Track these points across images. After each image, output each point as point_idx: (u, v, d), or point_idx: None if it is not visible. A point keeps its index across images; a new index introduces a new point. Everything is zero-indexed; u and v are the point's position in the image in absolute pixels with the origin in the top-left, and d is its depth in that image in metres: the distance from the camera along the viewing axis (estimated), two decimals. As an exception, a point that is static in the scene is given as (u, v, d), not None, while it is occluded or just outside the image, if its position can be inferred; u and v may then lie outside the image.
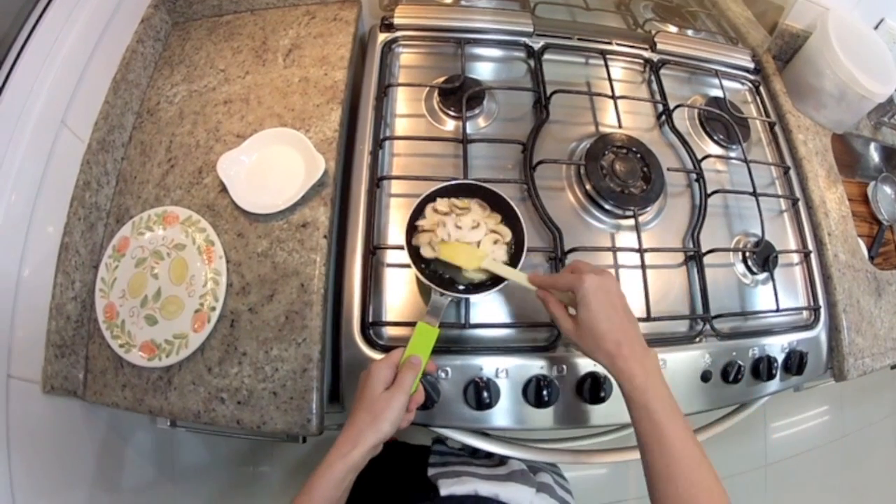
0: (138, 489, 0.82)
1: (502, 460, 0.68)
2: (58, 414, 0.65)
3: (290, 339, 0.65)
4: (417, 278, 0.65)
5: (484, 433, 0.71)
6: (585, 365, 0.67)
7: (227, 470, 1.24)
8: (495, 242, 0.62)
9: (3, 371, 0.56)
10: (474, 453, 0.72)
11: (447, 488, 0.59)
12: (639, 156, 0.79)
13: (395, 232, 0.71)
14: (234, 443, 1.26)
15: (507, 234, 0.63)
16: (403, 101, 0.82)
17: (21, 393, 0.58)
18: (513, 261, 0.62)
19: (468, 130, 0.76)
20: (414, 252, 0.61)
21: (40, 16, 0.64)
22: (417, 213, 0.62)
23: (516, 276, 0.59)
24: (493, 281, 0.61)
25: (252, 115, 0.77)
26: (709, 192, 0.80)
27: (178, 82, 0.81)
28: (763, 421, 1.74)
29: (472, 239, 0.61)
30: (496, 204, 0.65)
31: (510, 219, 0.64)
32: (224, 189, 0.71)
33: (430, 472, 0.63)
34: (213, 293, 0.66)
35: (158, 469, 0.90)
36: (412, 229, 0.62)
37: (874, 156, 1.13)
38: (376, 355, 0.64)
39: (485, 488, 0.61)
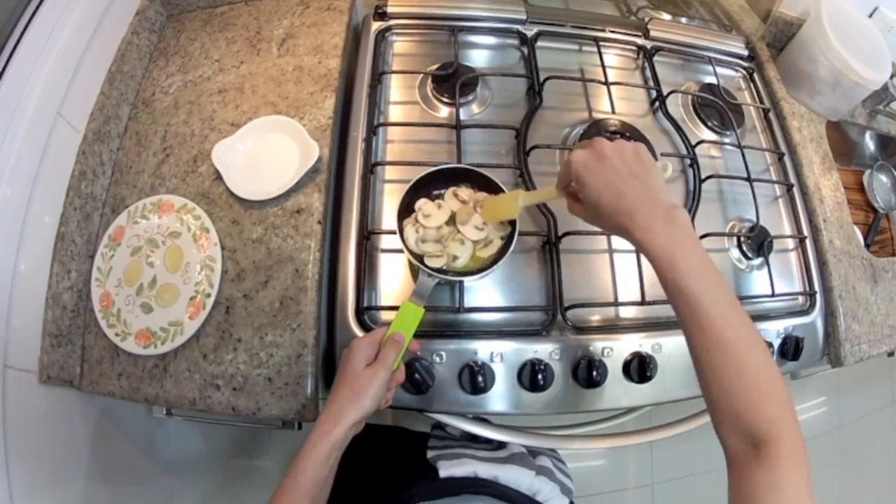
0: (135, 480, 0.83)
1: (502, 444, 0.68)
2: (54, 404, 0.65)
3: (284, 324, 0.65)
4: (409, 262, 0.66)
5: (481, 419, 0.71)
6: (580, 349, 0.67)
7: (224, 462, 1.24)
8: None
9: (-1, 361, 0.57)
10: (474, 438, 0.72)
11: (446, 470, 0.59)
12: (632, 141, 0.78)
13: (388, 217, 0.72)
14: (231, 434, 1.26)
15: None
16: (397, 88, 0.82)
17: (17, 383, 0.59)
18: (504, 244, 0.62)
19: (462, 117, 0.77)
20: (403, 234, 0.62)
21: (37, 8, 0.64)
22: (409, 196, 0.63)
23: (550, 192, 0.56)
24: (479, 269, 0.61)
25: (247, 104, 0.77)
26: (703, 177, 0.80)
27: (174, 73, 0.82)
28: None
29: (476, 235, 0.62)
30: (489, 188, 0.65)
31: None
32: (219, 177, 0.71)
33: (430, 454, 0.63)
34: (208, 280, 0.67)
35: (155, 461, 0.90)
36: (404, 212, 0.63)
37: (869, 144, 1.13)
38: (371, 340, 0.64)
39: (484, 470, 0.61)
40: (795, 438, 0.41)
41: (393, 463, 0.70)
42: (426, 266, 0.59)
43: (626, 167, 0.47)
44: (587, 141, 0.50)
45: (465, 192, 0.65)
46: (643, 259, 0.71)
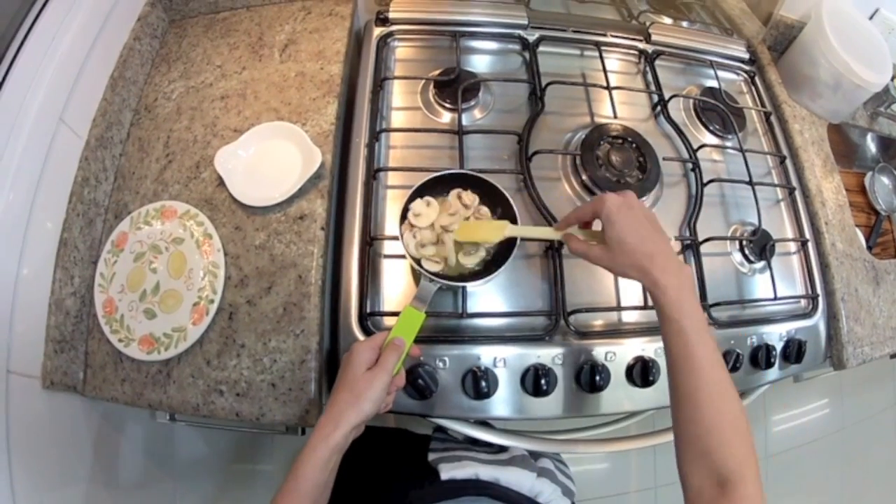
0: (137, 485, 0.83)
1: (503, 447, 0.68)
2: (57, 409, 0.65)
3: (288, 330, 0.65)
4: (411, 267, 0.66)
5: (484, 423, 0.71)
6: (583, 354, 0.67)
7: (227, 466, 1.24)
8: None
9: (2, 367, 0.57)
10: (475, 441, 0.72)
11: (448, 472, 0.59)
12: (634, 146, 0.79)
13: (391, 223, 0.72)
14: (234, 438, 1.27)
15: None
16: (399, 93, 0.82)
17: (21, 388, 0.59)
18: (507, 250, 0.62)
19: (464, 122, 0.77)
20: (402, 238, 0.62)
21: (38, 14, 0.64)
22: (412, 201, 0.63)
23: (543, 232, 0.60)
24: (483, 269, 0.61)
25: (249, 110, 0.77)
26: (705, 181, 0.80)
27: (176, 79, 0.82)
28: (764, 413, 1.74)
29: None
30: (491, 194, 0.65)
31: (505, 208, 0.64)
32: (222, 183, 0.71)
33: (431, 456, 0.63)
34: (211, 286, 0.67)
35: (157, 465, 0.90)
36: (405, 218, 0.63)
37: (871, 146, 1.13)
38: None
39: (485, 472, 0.61)
40: (757, 480, 0.44)
41: (394, 465, 0.70)
42: (426, 271, 0.59)
43: (650, 222, 0.54)
44: (620, 191, 0.56)
45: (469, 196, 0.65)
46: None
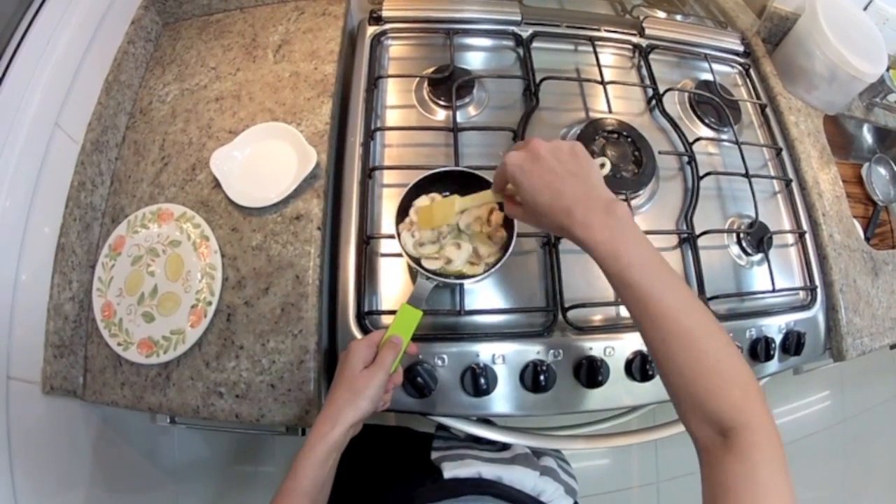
0: (138, 488, 0.83)
1: (505, 445, 0.68)
2: (58, 414, 0.65)
3: (286, 331, 0.65)
4: (408, 265, 0.66)
5: (484, 421, 0.71)
6: (582, 349, 0.67)
7: (228, 468, 1.24)
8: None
9: (2, 372, 0.57)
10: (477, 440, 0.72)
11: (450, 471, 0.59)
12: (630, 140, 0.79)
13: (387, 222, 0.72)
14: (234, 440, 1.27)
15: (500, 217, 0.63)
16: (393, 92, 0.82)
17: (21, 394, 0.59)
18: (503, 246, 0.62)
19: (459, 119, 0.77)
20: (401, 238, 0.62)
21: (32, 19, 0.64)
22: (408, 199, 0.63)
23: (485, 196, 0.56)
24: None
25: (244, 111, 0.77)
26: (701, 174, 0.80)
27: (170, 81, 0.82)
28: (765, 406, 1.73)
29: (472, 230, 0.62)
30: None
31: (501, 206, 0.64)
32: (218, 185, 0.71)
33: (434, 455, 0.63)
34: (208, 288, 0.67)
35: (158, 468, 0.90)
36: (402, 216, 0.63)
37: (867, 137, 1.13)
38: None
39: (488, 471, 0.60)
40: (764, 424, 0.39)
41: (397, 463, 0.70)
42: (423, 268, 0.59)
43: (563, 166, 0.46)
44: (521, 142, 0.50)
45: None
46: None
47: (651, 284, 0.43)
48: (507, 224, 0.62)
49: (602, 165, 0.51)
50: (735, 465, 0.38)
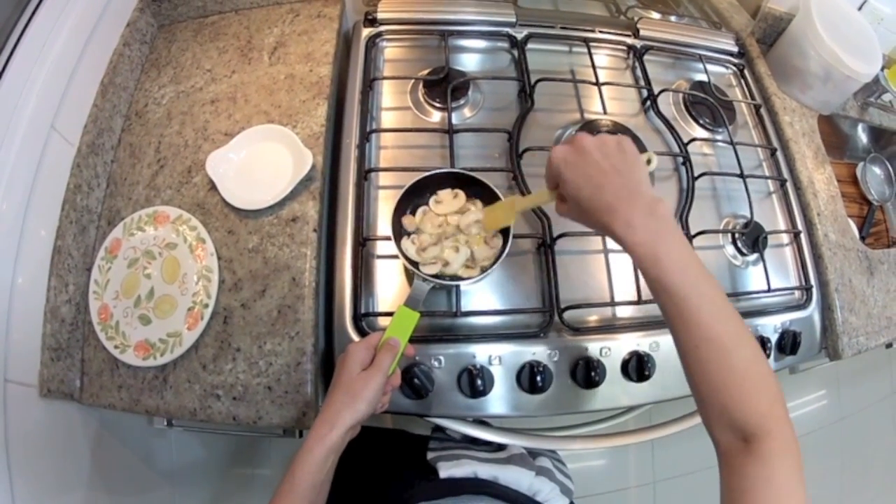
0: (135, 491, 0.83)
1: (502, 446, 0.68)
2: (55, 417, 0.65)
3: (283, 333, 0.65)
4: (404, 267, 0.66)
5: (481, 422, 0.71)
6: (578, 349, 0.67)
7: (225, 471, 1.24)
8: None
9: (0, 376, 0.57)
10: (474, 440, 0.72)
11: (446, 470, 0.59)
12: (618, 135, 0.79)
13: (383, 224, 0.72)
14: (231, 443, 1.27)
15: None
16: (389, 94, 0.82)
17: (18, 397, 0.59)
18: (500, 251, 0.62)
19: (454, 121, 0.77)
20: (400, 240, 0.62)
21: (28, 21, 0.64)
22: (404, 201, 0.63)
23: (541, 195, 0.55)
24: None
25: (239, 114, 0.77)
26: (696, 174, 0.81)
27: (166, 84, 0.82)
28: (762, 405, 1.74)
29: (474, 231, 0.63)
30: (482, 192, 0.65)
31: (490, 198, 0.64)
32: (214, 187, 0.71)
33: (430, 455, 0.63)
34: (205, 290, 0.67)
35: (155, 470, 0.90)
36: (398, 218, 0.63)
37: (862, 136, 1.13)
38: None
39: (484, 470, 0.61)
40: (786, 432, 0.40)
41: (393, 465, 0.70)
42: (420, 271, 0.60)
43: (608, 161, 0.46)
44: (570, 136, 0.50)
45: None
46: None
47: (689, 290, 0.42)
48: (504, 230, 0.62)
49: (648, 161, 0.50)
50: (755, 468, 0.39)
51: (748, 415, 0.41)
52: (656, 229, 0.43)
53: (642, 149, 0.78)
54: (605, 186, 0.45)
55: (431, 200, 0.64)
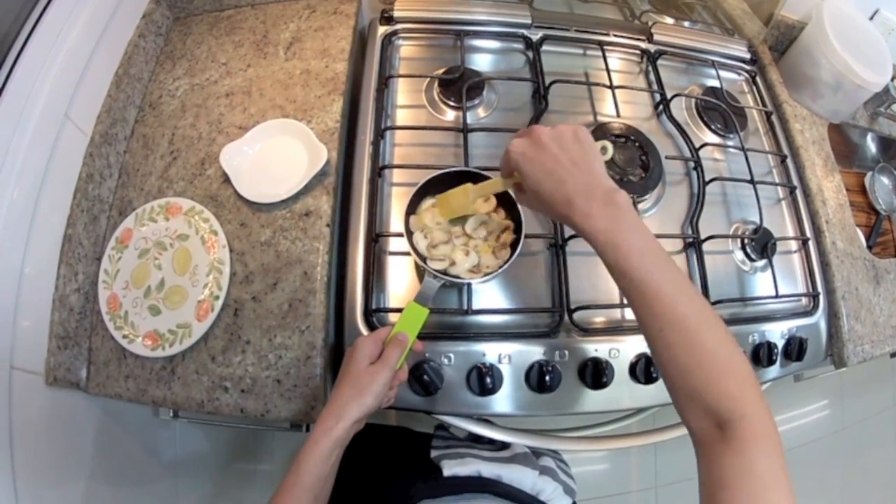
0: (138, 481, 0.82)
1: (505, 445, 0.68)
2: (60, 406, 0.65)
3: (293, 326, 0.65)
4: (415, 263, 0.66)
5: (487, 420, 0.71)
6: (587, 350, 0.67)
7: (228, 464, 1.24)
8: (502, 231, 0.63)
9: (6, 362, 0.57)
10: (477, 439, 0.72)
11: (450, 469, 0.59)
12: (637, 144, 0.79)
13: (396, 220, 0.72)
14: (236, 437, 1.26)
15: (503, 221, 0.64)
16: (404, 92, 0.82)
17: (24, 385, 0.59)
18: (512, 247, 0.62)
19: (468, 120, 0.77)
20: (412, 236, 0.62)
21: (44, 9, 0.64)
22: (417, 198, 0.63)
23: (495, 183, 0.57)
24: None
25: (254, 107, 0.77)
26: (707, 179, 0.81)
27: (180, 76, 0.82)
28: (764, 413, 1.74)
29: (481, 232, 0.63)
30: (497, 194, 0.65)
31: (509, 206, 0.64)
32: (227, 180, 0.71)
33: (433, 453, 0.63)
34: (216, 282, 0.67)
35: (159, 462, 0.90)
36: (411, 214, 0.63)
37: (871, 146, 1.14)
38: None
39: (488, 469, 0.60)
40: (762, 415, 0.39)
41: (396, 462, 0.70)
42: (431, 268, 0.60)
43: (566, 154, 0.46)
44: (525, 129, 0.50)
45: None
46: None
47: (650, 273, 0.42)
48: (514, 242, 0.62)
49: (604, 150, 0.51)
50: (733, 458, 0.38)
51: (719, 396, 0.40)
52: (614, 216, 0.44)
53: (658, 156, 0.78)
54: (565, 181, 0.46)
55: (427, 203, 0.64)
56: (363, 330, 0.66)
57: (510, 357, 0.66)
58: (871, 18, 0.99)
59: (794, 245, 0.85)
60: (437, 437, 0.71)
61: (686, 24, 1.01)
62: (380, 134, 0.76)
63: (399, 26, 0.86)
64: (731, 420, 0.39)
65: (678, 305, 0.42)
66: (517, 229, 0.63)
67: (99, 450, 0.72)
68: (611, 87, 0.83)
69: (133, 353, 0.65)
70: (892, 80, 0.96)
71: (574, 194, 0.45)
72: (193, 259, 0.68)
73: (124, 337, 0.66)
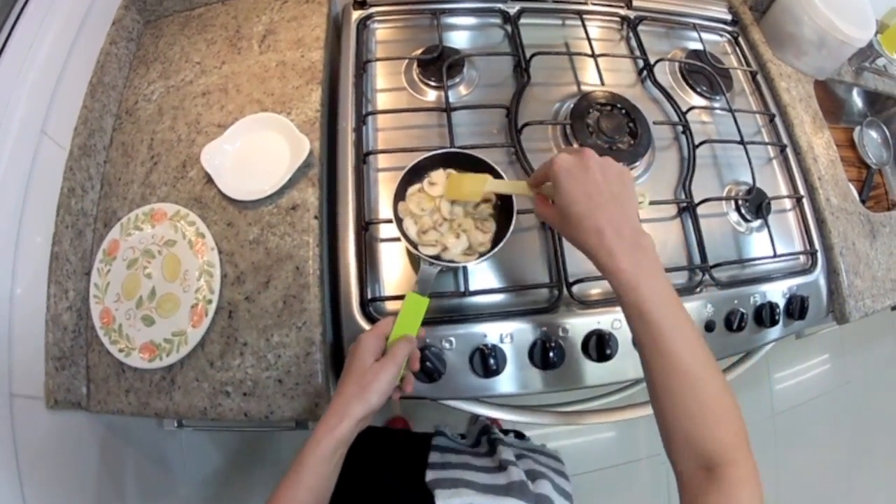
0: (147, 496, 0.82)
1: (502, 464, 0.64)
2: (64, 427, 0.64)
3: (290, 324, 0.64)
4: (408, 251, 0.65)
5: (493, 403, 0.70)
6: (589, 323, 0.67)
7: (237, 469, 1.23)
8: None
9: (5, 389, 0.56)
10: (475, 451, 0.71)
11: (443, 500, 0.56)
12: (623, 112, 0.78)
13: (385, 206, 0.71)
14: (243, 444, 1.26)
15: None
16: (383, 75, 0.81)
17: (25, 411, 0.58)
18: (503, 225, 0.61)
19: (451, 99, 0.76)
20: (401, 223, 0.61)
21: (13, 26, 0.63)
22: (404, 184, 0.62)
23: (518, 186, 0.56)
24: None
25: (232, 104, 0.76)
26: (696, 143, 0.80)
27: (155, 79, 0.80)
28: (767, 372, 1.75)
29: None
30: (483, 171, 0.64)
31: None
32: (210, 180, 0.70)
33: (429, 476, 0.60)
34: (208, 286, 0.66)
35: (168, 473, 0.89)
36: (399, 200, 0.62)
37: (857, 101, 1.13)
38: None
39: (481, 501, 0.57)
40: (749, 463, 0.42)
41: (391, 480, 0.66)
42: (425, 254, 0.59)
43: (608, 185, 0.47)
44: (575, 147, 0.51)
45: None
46: (643, 229, 0.71)
47: (665, 320, 0.44)
48: (504, 214, 0.61)
49: (642, 197, 0.52)
50: (717, 496, 0.40)
51: (713, 443, 0.42)
52: (639, 260, 0.45)
53: (645, 122, 0.77)
54: (601, 209, 0.46)
55: (426, 182, 0.63)
56: (361, 321, 0.65)
57: (512, 336, 0.65)
58: (851, -29, 0.98)
59: (788, 203, 0.84)
60: (436, 448, 0.68)
61: (664, -12, 1.00)
62: (362, 120, 0.74)
63: (373, 10, 0.85)
64: (720, 464, 0.41)
65: (688, 355, 0.44)
66: (501, 205, 0.62)
67: (107, 467, 0.71)
68: (593, 55, 0.82)
69: (131, 366, 0.64)
70: (876, 34, 0.95)
71: (606, 225, 0.46)
72: (183, 264, 0.67)
73: (121, 350, 0.65)
